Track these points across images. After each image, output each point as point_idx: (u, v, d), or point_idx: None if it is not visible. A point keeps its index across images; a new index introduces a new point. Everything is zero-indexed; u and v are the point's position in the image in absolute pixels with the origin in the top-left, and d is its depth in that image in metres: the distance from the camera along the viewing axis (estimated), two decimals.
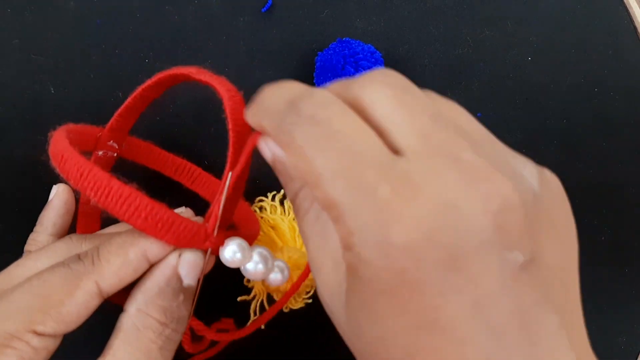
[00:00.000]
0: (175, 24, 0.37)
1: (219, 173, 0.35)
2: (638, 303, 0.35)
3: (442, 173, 0.15)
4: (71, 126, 0.29)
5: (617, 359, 0.35)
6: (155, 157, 0.33)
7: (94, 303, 0.21)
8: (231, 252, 0.24)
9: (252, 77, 0.36)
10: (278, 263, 0.27)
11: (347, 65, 0.32)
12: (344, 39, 0.34)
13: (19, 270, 0.23)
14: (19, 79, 0.36)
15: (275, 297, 0.33)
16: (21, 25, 0.36)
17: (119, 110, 0.30)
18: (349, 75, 0.32)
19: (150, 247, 0.22)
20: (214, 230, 0.23)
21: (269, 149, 0.19)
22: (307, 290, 0.34)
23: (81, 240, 0.24)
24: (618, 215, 0.36)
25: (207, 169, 0.35)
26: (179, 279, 0.22)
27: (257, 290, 0.33)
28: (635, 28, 0.38)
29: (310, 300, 0.33)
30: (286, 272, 0.27)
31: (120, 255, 0.21)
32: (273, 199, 0.35)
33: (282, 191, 0.35)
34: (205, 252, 0.23)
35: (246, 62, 0.36)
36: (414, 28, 0.37)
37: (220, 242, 0.23)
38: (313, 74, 0.34)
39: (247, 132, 0.22)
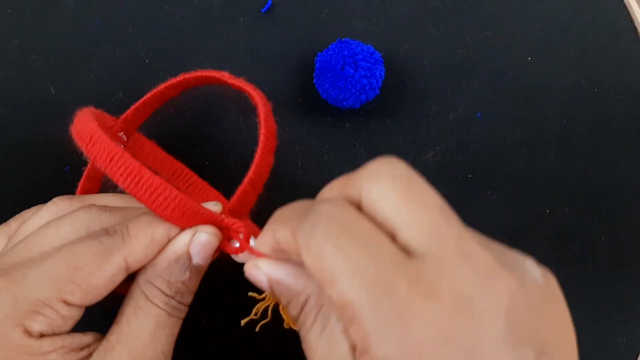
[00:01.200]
0: (175, 24, 0.37)
1: (218, 173, 0.35)
2: (638, 303, 0.35)
3: (456, 271, 0.16)
4: (91, 109, 0.29)
5: (617, 359, 0.35)
6: (154, 157, 0.34)
7: (120, 277, 0.22)
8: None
9: (252, 77, 0.36)
10: None
11: (347, 65, 0.32)
12: (343, 39, 0.34)
13: (39, 238, 0.23)
14: (19, 79, 0.36)
15: (281, 310, 0.32)
16: (21, 25, 0.36)
17: (136, 104, 0.30)
18: (349, 75, 0.32)
19: (175, 229, 0.23)
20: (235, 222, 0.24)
21: (263, 273, 0.21)
22: None
23: (101, 212, 0.24)
24: (618, 215, 0.36)
25: (207, 168, 0.35)
26: (189, 258, 0.23)
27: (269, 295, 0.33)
28: (635, 28, 0.38)
29: None
30: None
31: (149, 234, 0.23)
32: None
33: None
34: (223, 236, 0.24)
35: (246, 62, 0.36)
36: (414, 28, 0.37)
37: (237, 236, 0.24)
38: (313, 74, 0.34)
39: (275, 136, 0.25)
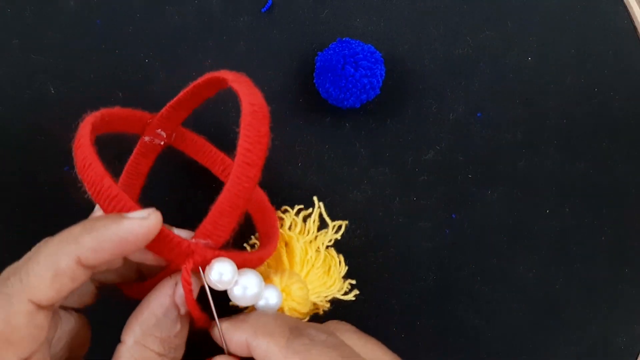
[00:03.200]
0: (175, 24, 0.37)
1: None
2: (638, 303, 0.35)
3: None
4: (117, 109, 0.29)
5: (617, 358, 0.35)
6: (204, 153, 0.33)
7: (41, 317, 0.20)
8: (217, 274, 0.22)
9: (252, 77, 0.36)
10: (270, 291, 0.25)
11: (347, 65, 0.32)
12: (344, 39, 0.34)
13: None
14: (19, 79, 0.36)
15: None
16: (21, 25, 0.36)
17: (171, 102, 0.30)
18: (349, 75, 0.32)
19: (87, 251, 0.20)
20: (198, 246, 0.22)
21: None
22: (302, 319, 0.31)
23: None
24: (618, 215, 0.36)
25: (207, 167, 0.35)
26: (177, 308, 0.22)
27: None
28: (635, 28, 0.38)
29: None
30: (275, 302, 0.25)
31: (50, 267, 0.20)
32: (298, 213, 0.34)
33: (310, 209, 0.34)
34: (197, 272, 0.22)
35: (246, 62, 0.36)
36: (414, 28, 0.37)
37: (207, 262, 0.22)
38: (313, 74, 0.34)
39: (262, 144, 0.23)
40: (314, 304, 0.32)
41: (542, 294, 0.35)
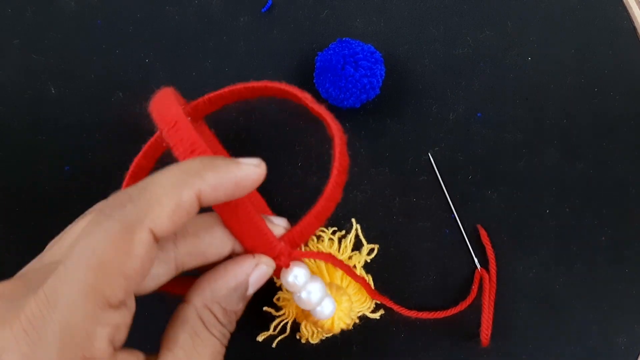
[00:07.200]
0: (175, 24, 0.37)
1: None
2: (638, 303, 0.35)
3: None
4: (172, 90, 0.28)
5: (617, 359, 0.35)
6: (214, 150, 0.33)
7: (154, 252, 0.19)
8: (293, 276, 0.25)
9: (252, 77, 0.36)
10: (327, 300, 0.27)
11: (347, 65, 0.32)
12: (344, 39, 0.34)
13: (77, 227, 0.22)
14: (19, 79, 0.36)
15: (304, 327, 0.32)
16: (21, 25, 0.36)
17: (210, 95, 0.30)
18: (349, 75, 0.32)
19: (206, 188, 0.19)
20: (287, 251, 0.24)
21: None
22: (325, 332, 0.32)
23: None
24: (618, 215, 0.36)
25: None
26: (247, 287, 0.23)
27: (289, 311, 0.32)
28: (635, 28, 0.38)
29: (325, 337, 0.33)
30: (332, 310, 0.28)
31: (174, 198, 0.19)
32: (334, 233, 0.34)
33: (344, 231, 0.34)
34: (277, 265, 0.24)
35: (246, 62, 0.36)
36: (414, 28, 0.37)
37: (286, 264, 0.24)
38: (313, 73, 0.34)
39: (347, 170, 0.26)
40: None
41: (542, 294, 0.35)
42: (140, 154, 0.29)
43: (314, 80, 0.34)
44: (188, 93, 0.36)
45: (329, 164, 0.35)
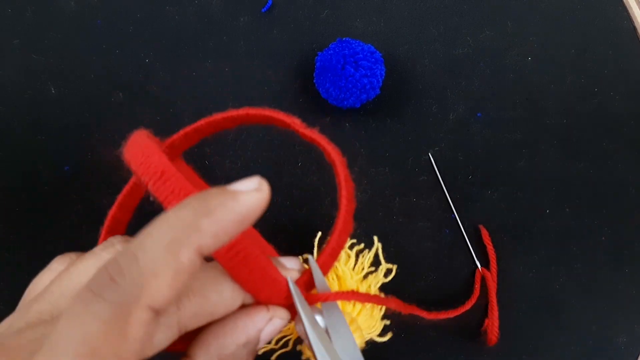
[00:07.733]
0: (175, 24, 0.37)
1: (218, 173, 0.35)
2: (638, 303, 0.35)
3: None
4: (146, 133, 0.26)
5: (617, 359, 0.35)
6: (192, 183, 0.31)
7: (154, 326, 0.16)
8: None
9: (252, 77, 0.36)
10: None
11: (347, 65, 0.32)
12: (344, 39, 0.34)
13: (67, 279, 0.19)
14: (19, 79, 0.36)
15: (304, 351, 0.31)
16: (21, 25, 0.36)
17: (186, 130, 0.26)
18: (349, 75, 0.32)
19: (207, 240, 0.16)
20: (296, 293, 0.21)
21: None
22: None
23: (119, 246, 0.20)
24: (618, 215, 0.36)
25: (207, 168, 0.35)
26: (257, 342, 0.20)
27: (292, 329, 0.32)
28: (635, 28, 0.38)
29: None
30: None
31: (171, 263, 0.16)
32: (351, 247, 0.33)
33: (362, 244, 0.34)
34: (290, 314, 0.21)
35: (246, 62, 0.36)
36: (414, 28, 0.37)
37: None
38: (313, 73, 0.34)
39: (354, 196, 0.24)
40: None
41: (542, 294, 0.35)
42: (115, 205, 0.26)
43: (314, 80, 0.34)
44: (186, 100, 0.36)
45: (329, 164, 0.36)
